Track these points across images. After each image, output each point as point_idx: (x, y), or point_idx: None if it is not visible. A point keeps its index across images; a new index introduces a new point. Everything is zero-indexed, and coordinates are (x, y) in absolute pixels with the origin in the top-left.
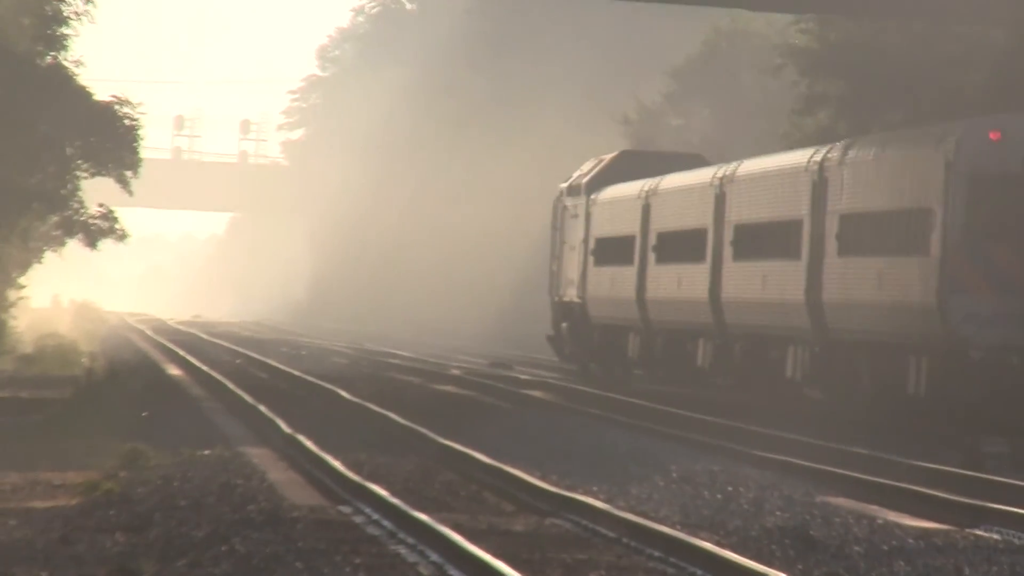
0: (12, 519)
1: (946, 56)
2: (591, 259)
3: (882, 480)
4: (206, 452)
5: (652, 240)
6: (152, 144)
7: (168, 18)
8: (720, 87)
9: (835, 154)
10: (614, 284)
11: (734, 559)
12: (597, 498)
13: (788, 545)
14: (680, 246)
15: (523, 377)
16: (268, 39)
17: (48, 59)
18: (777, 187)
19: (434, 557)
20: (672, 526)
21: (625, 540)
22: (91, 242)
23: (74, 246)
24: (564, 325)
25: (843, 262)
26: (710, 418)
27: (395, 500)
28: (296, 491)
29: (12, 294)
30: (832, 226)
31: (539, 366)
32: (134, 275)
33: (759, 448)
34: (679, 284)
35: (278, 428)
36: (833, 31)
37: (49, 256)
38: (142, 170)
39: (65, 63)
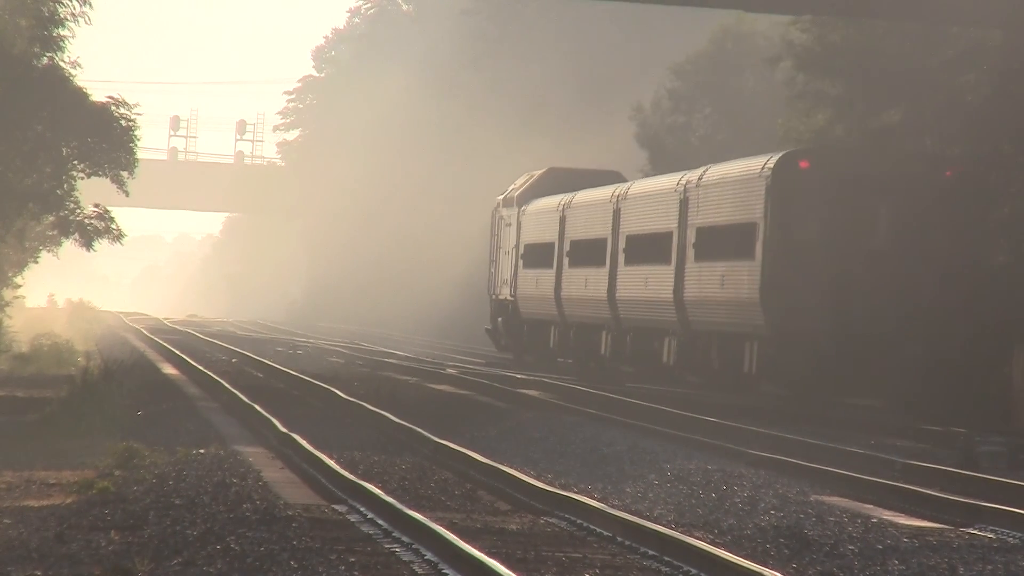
0: (7, 518)
1: (945, 57)
2: (521, 262)
3: (877, 479)
4: (201, 451)
5: (567, 247)
6: (148, 145)
7: (164, 20)
8: (723, 86)
9: (694, 177)
10: (538, 284)
11: (728, 558)
12: (592, 497)
13: (782, 544)
14: (587, 252)
15: (519, 376)
16: (264, 40)
17: (45, 60)
18: (656, 204)
19: (429, 556)
20: (666, 525)
21: (619, 539)
22: (87, 242)
23: (70, 246)
24: (499, 320)
25: (698, 266)
26: (705, 417)
27: (390, 499)
28: (291, 490)
29: (8, 294)
30: (691, 237)
31: (534, 366)
32: (130, 275)
33: (754, 447)
34: (586, 285)
35: (273, 427)
36: (831, 31)
37: (45, 256)
38: (138, 170)
39: (62, 64)
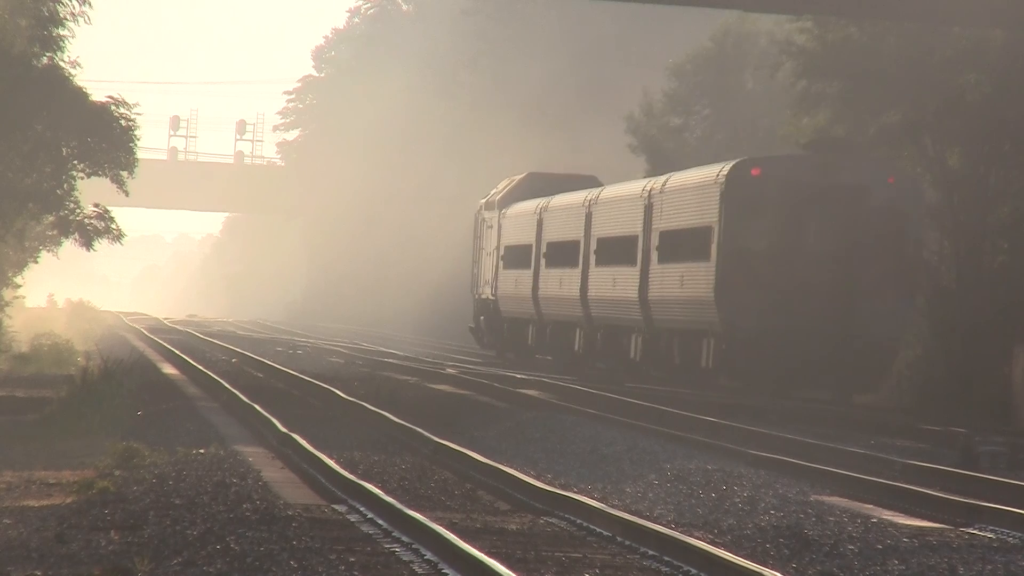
0: (7, 518)
1: (946, 57)
2: (501, 263)
3: (877, 479)
4: (201, 451)
5: (543, 248)
6: (148, 144)
7: (164, 20)
8: (723, 86)
9: (658, 185)
10: (517, 284)
11: (728, 558)
12: (592, 497)
13: (782, 544)
14: (562, 254)
15: (519, 376)
16: (264, 40)
17: (44, 60)
18: (623, 209)
19: (429, 556)
20: (666, 525)
21: (619, 539)
22: (87, 242)
23: (70, 246)
24: (481, 318)
25: (661, 268)
26: (705, 417)
27: (389, 499)
28: (291, 490)
29: (8, 294)
30: (655, 240)
31: (536, 367)
32: (130, 275)
33: (754, 447)
34: (561, 285)
35: (273, 427)
36: (831, 31)
37: (45, 256)
38: (138, 170)
39: (62, 64)
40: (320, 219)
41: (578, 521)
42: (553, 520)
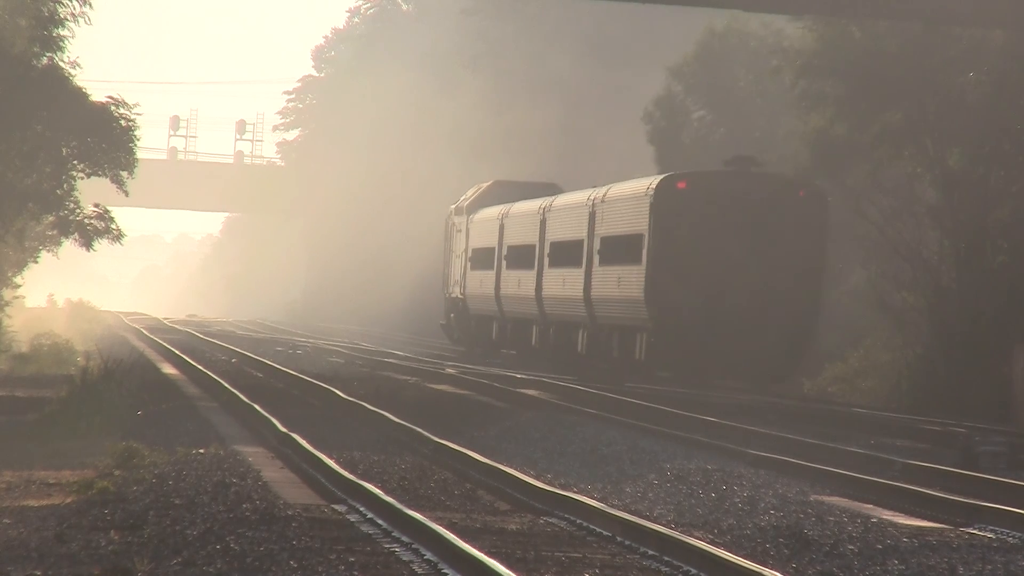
0: (6, 518)
1: (946, 57)
2: (469, 265)
3: (877, 479)
4: (201, 451)
5: (504, 251)
6: (148, 144)
7: (164, 20)
8: (716, 88)
9: (600, 195)
10: (482, 284)
11: (728, 558)
12: (591, 497)
13: (782, 544)
14: (520, 256)
15: (518, 376)
16: (264, 40)
17: (44, 60)
18: (571, 216)
19: (428, 555)
20: (666, 525)
21: (619, 539)
22: (87, 242)
23: (70, 246)
24: (451, 315)
25: (602, 270)
26: (705, 417)
27: (389, 499)
28: (291, 490)
29: (8, 293)
30: (597, 245)
31: (535, 367)
32: (130, 275)
33: (754, 447)
34: (519, 285)
35: (273, 427)
36: (832, 31)
37: (45, 256)
38: (138, 170)
39: (61, 64)
40: (320, 219)
41: (578, 521)
42: (553, 520)
